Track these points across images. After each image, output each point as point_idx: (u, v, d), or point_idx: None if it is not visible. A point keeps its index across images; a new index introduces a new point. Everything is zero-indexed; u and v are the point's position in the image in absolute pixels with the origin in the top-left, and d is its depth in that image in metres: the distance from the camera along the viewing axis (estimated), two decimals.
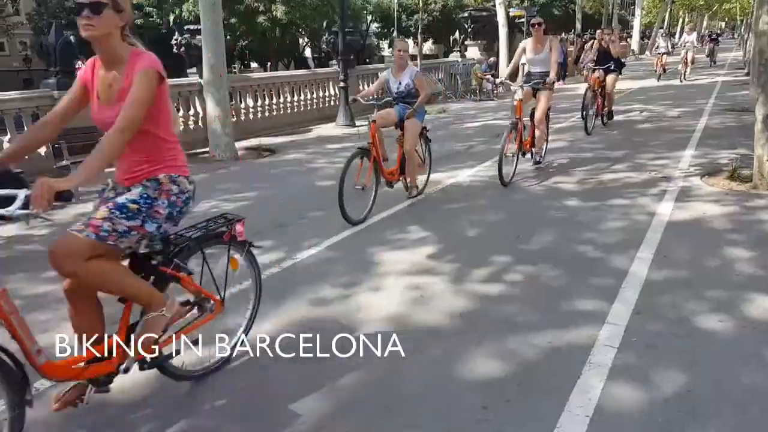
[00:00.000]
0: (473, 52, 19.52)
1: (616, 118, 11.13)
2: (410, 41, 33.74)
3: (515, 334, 3.05)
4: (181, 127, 9.72)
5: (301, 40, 35.40)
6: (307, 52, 36.29)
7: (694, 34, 18.91)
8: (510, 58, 18.32)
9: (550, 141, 7.76)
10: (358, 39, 13.51)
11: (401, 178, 5.72)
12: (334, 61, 13.83)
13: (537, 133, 6.81)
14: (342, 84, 11.58)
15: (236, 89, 10.96)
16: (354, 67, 13.74)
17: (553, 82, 6.68)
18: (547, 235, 4.60)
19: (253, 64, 37.31)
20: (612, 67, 9.86)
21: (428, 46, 36.32)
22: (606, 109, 10.14)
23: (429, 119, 12.65)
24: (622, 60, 10.79)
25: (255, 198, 6.28)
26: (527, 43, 7.06)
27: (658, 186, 5.94)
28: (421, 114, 5.65)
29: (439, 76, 16.68)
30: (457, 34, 19.94)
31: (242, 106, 11.07)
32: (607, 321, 3.12)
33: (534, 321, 3.17)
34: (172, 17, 17.92)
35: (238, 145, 9.77)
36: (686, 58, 17.68)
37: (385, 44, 35.55)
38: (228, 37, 29.39)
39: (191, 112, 10.02)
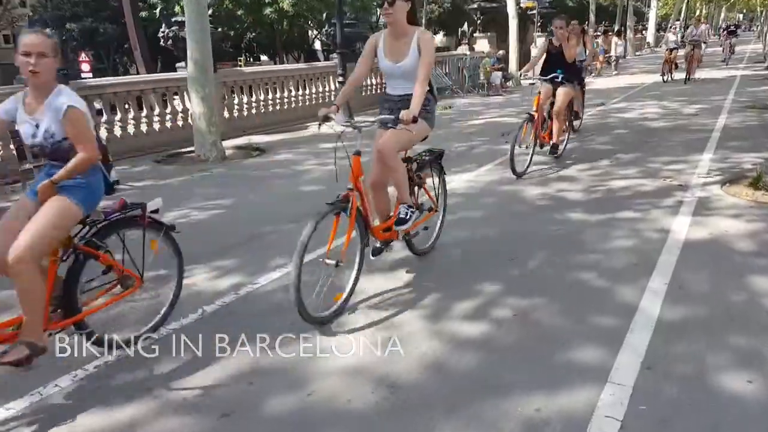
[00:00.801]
0: (483, 44, 18.79)
1: (628, 115, 10.46)
2: None
3: (495, 396, 2.47)
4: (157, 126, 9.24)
5: (310, 32, 34.77)
6: (317, 45, 35.61)
7: (703, 27, 16.40)
8: (521, 50, 17.61)
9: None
10: (361, 31, 12.88)
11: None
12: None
13: (555, 126, 6.80)
14: (341, 79, 11.00)
15: (228, 84, 10.43)
16: (354, 61, 13.12)
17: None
18: (546, 257, 4.00)
19: (263, 57, 36.78)
20: (564, 78, 6.58)
21: (439, 39, 35.47)
22: (553, 138, 6.79)
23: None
24: (584, 65, 9.36)
25: (231, 206, 5.74)
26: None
27: (672, 196, 5.30)
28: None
29: (446, 70, 16.01)
30: (465, 26, 19.19)
31: (235, 102, 10.53)
32: (610, 380, 2.53)
33: (520, 379, 2.59)
34: (159, 8, 17.42)
35: (228, 143, 9.26)
36: (692, 55, 15.55)
37: None
38: (237, 28, 28.93)
39: (180, 108, 9.49)
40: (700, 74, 16.62)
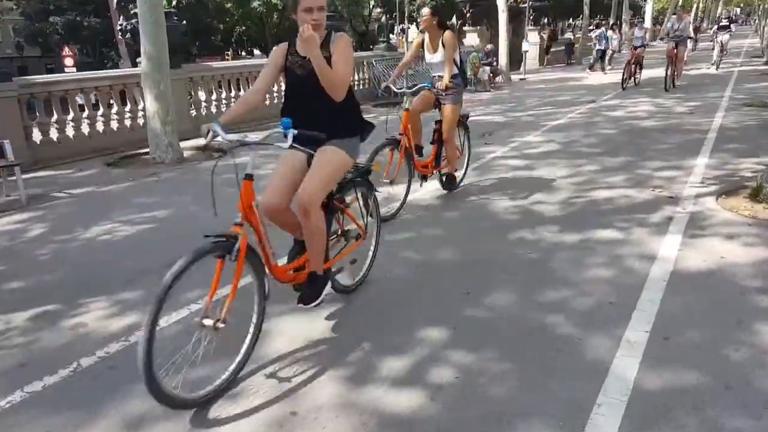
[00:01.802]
0: (472, 39, 18.01)
1: (618, 113, 9.75)
2: (413, 28, 32.14)
3: None
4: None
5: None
6: None
7: (685, 22, 12.69)
8: (512, 44, 16.83)
9: (532, 145, 6.48)
10: (340, 25, 12.12)
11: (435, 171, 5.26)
12: None
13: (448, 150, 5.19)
14: None
15: (195, 81, 9.71)
16: None
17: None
18: (506, 292, 3.32)
19: (256, 51, 35.94)
20: (443, 92, 4.97)
21: None
22: (436, 169, 5.23)
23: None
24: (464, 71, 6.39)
25: (166, 218, 5.05)
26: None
27: (661, 210, 4.61)
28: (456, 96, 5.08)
29: None
30: (454, 19, 18.43)
31: (202, 99, 9.82)
32: None
33: None
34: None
35: (191, 143, 8.55)
36: (674, 54, 12.42)
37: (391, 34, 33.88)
38: (227, 21, 28.12)
39: (140, 106, 8.77)
40: (687, 76, 14.93)
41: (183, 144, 8.55)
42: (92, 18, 22.42)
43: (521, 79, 17.19)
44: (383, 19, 14.37)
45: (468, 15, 18.35)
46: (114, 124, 8.62)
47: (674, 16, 13.31)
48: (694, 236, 4.00)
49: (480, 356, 2.66)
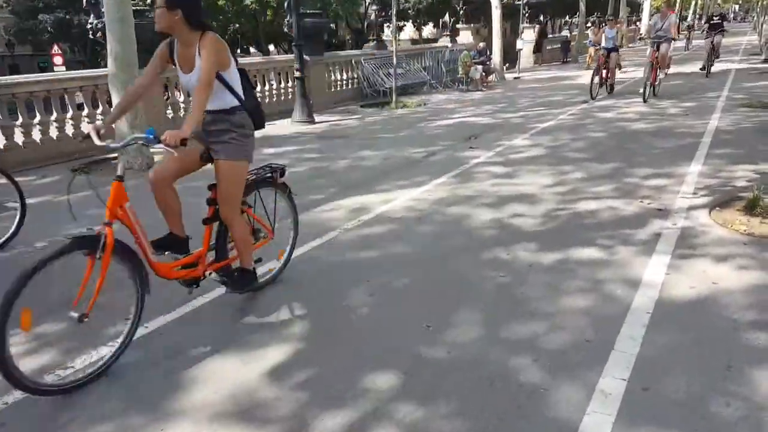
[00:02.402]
0: (466, 36, 17.58)
1: (610, 114, 9.35)
2: (409, 24, 31.66)
3: None
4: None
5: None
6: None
7: (669, 20, 10.70)
8: (505, 42, 16.40)
9: (518, 149, 6.11)
10: (326, 21, 11.71)
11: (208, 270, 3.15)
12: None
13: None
14: (297, 74, 9.85)
15: (172, 80, 9.30)
16: (322, 54, 11.99)
17: None
18: (471, 325, 2.93)
19: (252, 49, 35.38)
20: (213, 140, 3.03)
21: (429, 30, 34.13)
22: (213, 267, 3.14)
23: (401, 114, 11.08)
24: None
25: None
26: None
27: (649, 225, 4.22)
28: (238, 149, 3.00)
29: (425, 64, 14.83)
30: (447, 16, 17.96)
31: (180, 99, 9.42)
32: None
33: None
34: None
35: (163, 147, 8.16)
36: (655, 58, 10.62)
37: (385, 27, 33.37)
38: (220, 19, 27.59)
39: (100, 110, 8.32)
40: (682, 75, 14.47)
41: (156, 148, 8.18)
42: (82, 16, 21.97)
43: (515, 78, 16.77)
44: (372, 16, 13.95)
45: (462, 12, 17.89)
46: (86, 128, 8.21)
47: (657, 14, 11.55)
48: (683, 257, 3.61)
49: (430, 412, 2.27)
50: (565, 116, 9.54)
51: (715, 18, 15.27)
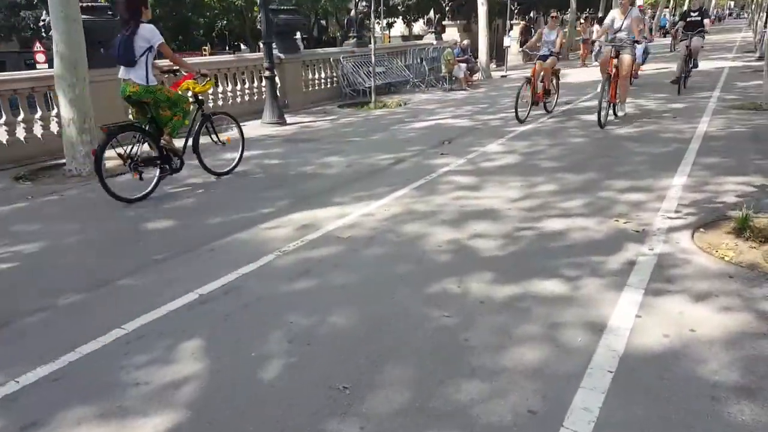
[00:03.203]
0: (452, 33, 16.99)
1: (592, 116, 8.73)
2: (399, 20, 30.99)
3: None
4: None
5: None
6: (297, 34, 33.58)
7: (631, 16, 7.94)
8: (492, 40, 15.81)
9: (491, 156, 5.57)
10: (300, 18, 11.13)
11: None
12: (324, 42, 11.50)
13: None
14: (267, 73, 9.28)
15: None
16: (298, 52, 11.41)
17: None
18: (397, 385, 2.39)
19: (243, 46, 34.73)
20: None
21: (420, 26, 33.45)
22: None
23: (378, 115, 10.51)
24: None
25: (32, 255, 4.09)
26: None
27: (623, 250, 3.68)
28: None
29: (408, 62, 14.25)
30: (431, 13, 17.36)
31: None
32: None
33: None
34: None
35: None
36: (611, 67, 7.87)
37: (375, 24, 32.59)
38: (207, 16, 26.97)
39: (54, 112, 7.74)
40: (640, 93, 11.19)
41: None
42: None
43: (502, 76, 16.18)
44: (353, 12, 13.37)
45: (447, 8, 17.28)
46: (38, 130, 7.66)
47: (615, 10, 8.36)
48: (658, 293, 3.08)
49: None
50: (545, 119, 8.98)
51: (692, 14, 11.09)
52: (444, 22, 17.50)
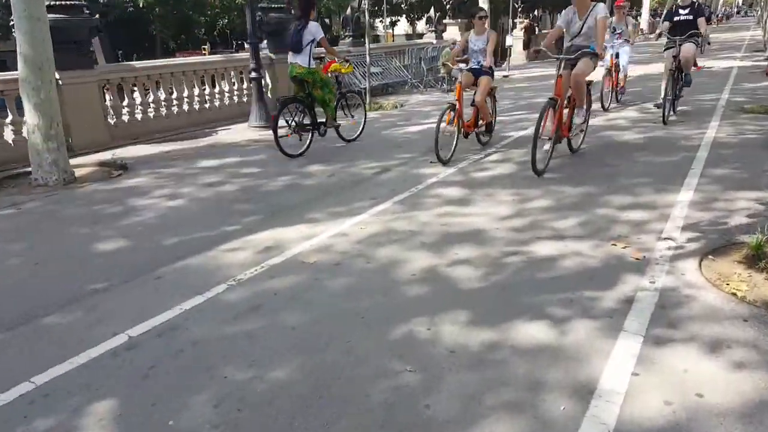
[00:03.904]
0: (453, 32, 16.44)
1: (595, 121, 8.22)
2: (403, 19, 30.43)
3: None
4: None
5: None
6: None
7: (596, 15, 5.53)
8: (496, 38, 15.25)
9: (484, 165, 5.08)
10: (292, 17, 10.62)
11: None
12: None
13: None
14: (253, 74, 8.80)
15: (113, 82, 8.29)
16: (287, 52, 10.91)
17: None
18: None
19: (246, 45, 34.31)
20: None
21: (423, 25, 32.82)
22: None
23: (371, 118, 9.92)
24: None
25: None
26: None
27: (621, 282, 3.19)
28: None
29: (405, 62, 13.73)
30: (432, 11, 16.81)
31: (124, 103, 8.40)
32: None
33: None
34: None
35: (93, 158, 7.20)
36: (560, 90, 5.56)
37: (378, 23, 32.10)
38: (208, 14, 26.54)
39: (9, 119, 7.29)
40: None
41: (86, 159, 7.22)
42: None
43: (504, 77, 15.59)
44: (348, 11, 12.91)
45: (448, 6, 16.72)
46: (9, 135, 7.25)
47: (570, 8, 5.87)
48: (660, 342, 2.59)
49: None
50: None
51: (681, 12, 7.60)
52: (445, 21, 16.95)
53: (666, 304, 2.91)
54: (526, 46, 19.37)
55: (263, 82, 9.55)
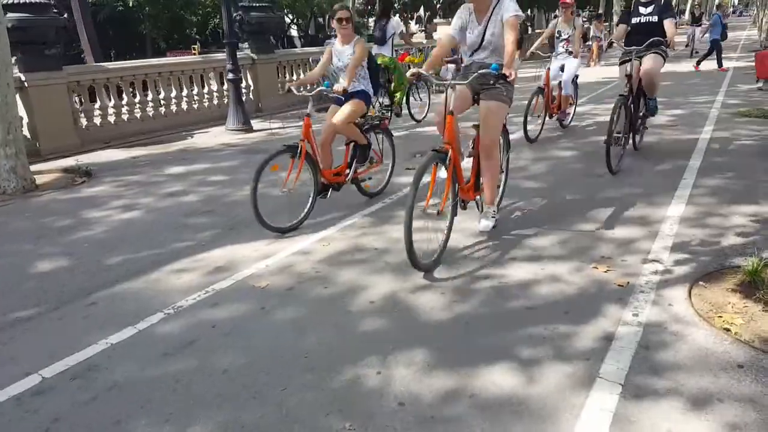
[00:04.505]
0: (444, 32, 16.03)
1: (586, 123, 7.89)
2: (397, 18, 29.96)
3: None
4: None
5: (286, 19, 31.80)
6: (293, 31, 32.63)
7: (498, 17, 3.54)
8: None
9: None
10: (274, 17, 10.23)
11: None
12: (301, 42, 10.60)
13: None
14: (231, 76, 8.41)
15: (82, 84, 7.89)
16: (272, 52, 10.54)
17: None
18: None
19: (244, 45, 33.85)
20: None
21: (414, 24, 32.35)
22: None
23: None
24: None
25: None
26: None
27: (600, 315, 2.81)
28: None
29: None
30: (422, 10, 16.39)
31: (96, 105, 8.01)
32: None
33: None
34: None
35: (62, 164, 6.81)
36: (449, 127, 3.47)
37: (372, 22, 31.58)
38: (199, 14, 26.09)
39: None
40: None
41: (51, 165, 6.82)
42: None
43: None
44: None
45: (438, 5, 16.29)
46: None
47: (558, 19, 6.54)
48: (640, 395, 2.20)
49: None
50: (532, 127, 8.05)
51: (643, 11, 5.48)
52: (435, 20, 16.53)
53: (650, 344, 2.53)
54: (519, 45, 18.95)
55: (243, 83, 9.18)
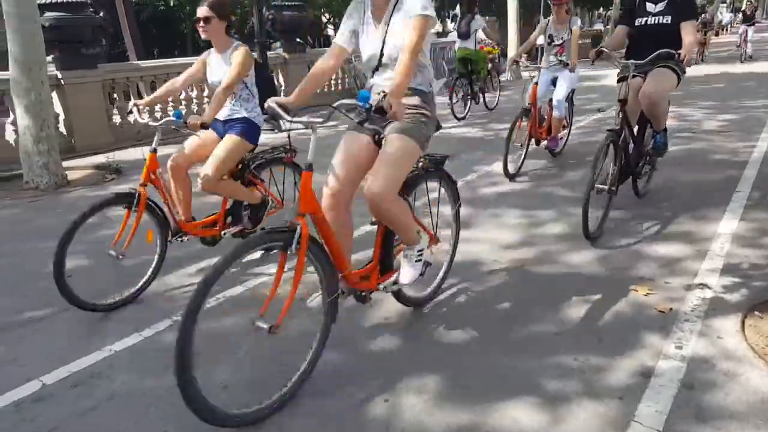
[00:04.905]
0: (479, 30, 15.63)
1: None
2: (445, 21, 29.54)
3: None
4: None
5: (323, 18, 31.89)
6: (330, 30, 32.71)
7: (553, 19, 5.58)
8: (521, 36, 14.41)
9: (496, 179, 4.44)
10: (304, 15, 10.16)
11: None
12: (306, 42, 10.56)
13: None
14: None
15: (118, 82, 7.98)
16: (305, 51, 10.47)
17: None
18: None
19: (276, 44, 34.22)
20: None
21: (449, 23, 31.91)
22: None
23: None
24: None
25: None
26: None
27: (638, 345, 2.51)
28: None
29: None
30: (458, 8, 15.98)
31: (130, 104, 8.08)
32: None
33: None
34: None
35: (94, 160, 6.89)
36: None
37: None
38: (238, 13, 26.34)
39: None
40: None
41: (84, 162, 6.91)
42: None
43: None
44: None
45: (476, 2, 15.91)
46: (10, 135, 7.01)
47: (550, 18, 5.70)
48: None
49: None
50: (572, 128, 7.70)
51: (651, 10, 3.92)
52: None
53: (695, 383, 2.24)
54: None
55: (275, 82, 9.11)
